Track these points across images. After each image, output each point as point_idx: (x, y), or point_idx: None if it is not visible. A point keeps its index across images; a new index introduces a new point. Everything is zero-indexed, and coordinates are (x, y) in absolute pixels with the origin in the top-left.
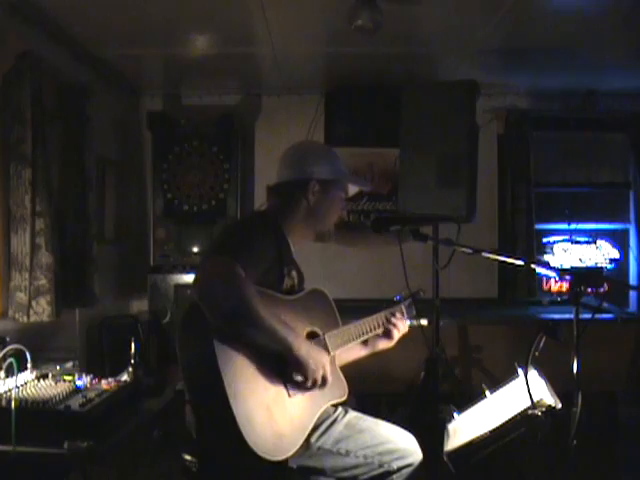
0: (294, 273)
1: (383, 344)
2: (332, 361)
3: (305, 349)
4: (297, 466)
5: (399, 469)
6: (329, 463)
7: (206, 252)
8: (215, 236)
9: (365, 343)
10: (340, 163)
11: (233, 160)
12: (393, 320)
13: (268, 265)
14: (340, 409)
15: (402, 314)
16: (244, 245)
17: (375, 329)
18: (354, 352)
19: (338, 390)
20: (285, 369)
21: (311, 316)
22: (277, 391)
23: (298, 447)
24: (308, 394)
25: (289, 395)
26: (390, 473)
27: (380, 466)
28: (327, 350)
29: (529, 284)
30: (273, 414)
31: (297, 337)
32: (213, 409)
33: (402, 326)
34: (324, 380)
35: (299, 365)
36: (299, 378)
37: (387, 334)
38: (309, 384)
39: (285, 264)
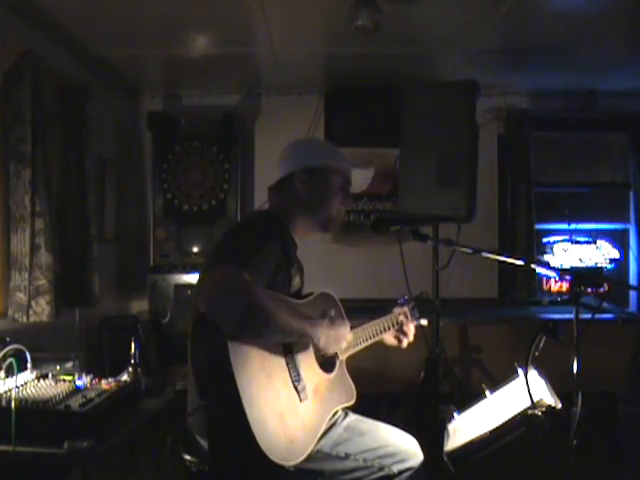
0: (299, 273)
1: (387, 340)
2: (341, 365)
3: (325, 336)
4: (296, 469)
5: (399, 472)
6: (328, 466)
7: (209, 257)
8: (218, 240)
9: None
10: (328, 150)
11: (233, 160)
12: (404, 329)
13: (275, 268)
14: (340, 412)
15: (408, 318)
16: (250, 250)
17: (382, 332)
18: None
19: (347, 394)
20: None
21: (322, 316)
22: (289, 396)
23: (310, 451)
24: (319, 398)
25: (300, 400)
26: (390, 477)
27: (380, 469)
28: (336, 354)
29: (529, 284)
30: (285, 419)
31: (313, 326)
32: (227, 415)
33: (410, 334)
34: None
35: (324, 349)
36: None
37: (398, 340)
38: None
39: (292, 264)
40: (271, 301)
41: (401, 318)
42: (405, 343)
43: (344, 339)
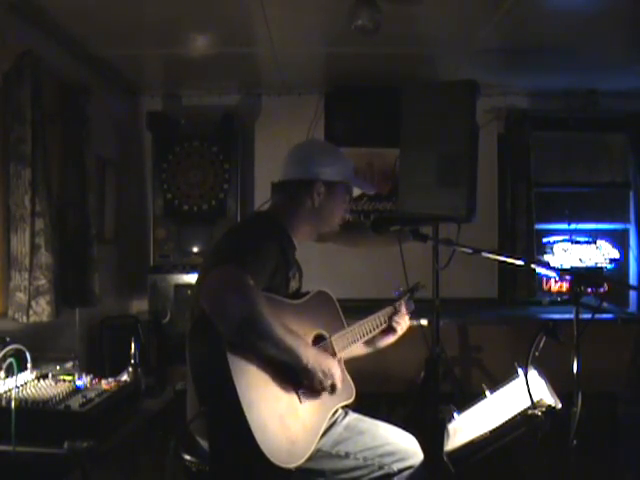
0: (297, 275)
1: (385, 342)
2: (339, 363)
3: (313, 360)
4: (296, 468)
5: (399, 471)
6: (328, 465)
7: (208, 257)
8: (218, 241)
9: (367, 343)
10: (347, 165)
11: (233, 160)
12: (395, 318)
13: (274, 269)
14: (340, 411)
15: (398, 311)
16: (251, 252)
17: (378, 327)
18: (355, 351)
19: (346, 392)
20: (295, 379)
21: (317, 319)
22: (289, 398)
23: (311, 452)
24: (318, 398)
25: (300, 401)
26: (390, 475)
27: (380, 468)
28: (333, 352)
29: (529, 284)
30: (286, 421)
31: (306, 348)
32: (227, 419)
33: (404, 323)
34: (333, 387)
35: (308, 376)
36: (309, 388)
37: (390, 331)
38: (319, 392)
39: (290, 266)
40: (269, 311)
41: (389, 310)
42: (399, 331)
43: (331, 373)
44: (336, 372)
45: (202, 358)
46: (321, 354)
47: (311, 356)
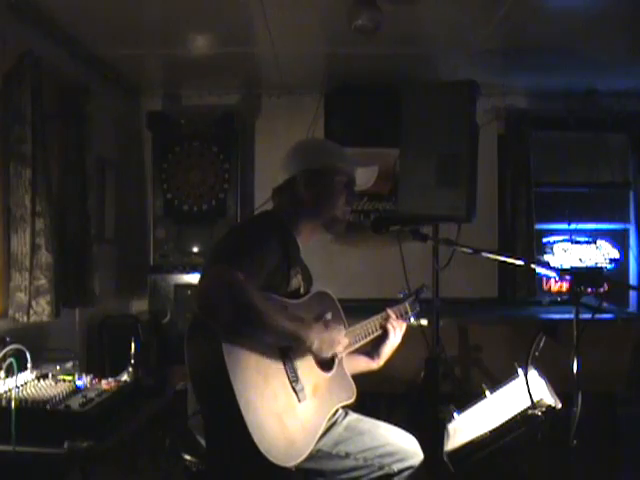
0: (300, 275)
1: (388, 348)
2: (340, 363)
3: (318, 339)
4: (296, 468)
5: (399, 471)
6: (328, 466)
7: (207, 256)
8: (217, 240)
9: (372, 357)
10: (332, 150)
11: (233, 160)
12: (391, 321)
13: (273, 268)
14: (340, 411)
15: (402, 313)
16: (245, 250)
17: (378, 329)
18: (363, 365)
19: (346, 392)
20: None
21: (317, 319)
22: (287, 397)
23: (310, 451)
24: (318, 398)
25: (299, 400)
26: (390, 476)
27: (380, 468)
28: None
29: (529, 284)
30: (284, 421)
31: (307, 328)
32: (224, 419)
33: (398, 326)
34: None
35: (314, 354)
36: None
37: (385, 336)
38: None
39: (291, 266)
40: (263, 302)
41: (384, 315)
42: (391, 336)
43: (338, 343)
44: (342, 341)
45: (199, 357)
46: (324, 330)
47: (315, 336)
